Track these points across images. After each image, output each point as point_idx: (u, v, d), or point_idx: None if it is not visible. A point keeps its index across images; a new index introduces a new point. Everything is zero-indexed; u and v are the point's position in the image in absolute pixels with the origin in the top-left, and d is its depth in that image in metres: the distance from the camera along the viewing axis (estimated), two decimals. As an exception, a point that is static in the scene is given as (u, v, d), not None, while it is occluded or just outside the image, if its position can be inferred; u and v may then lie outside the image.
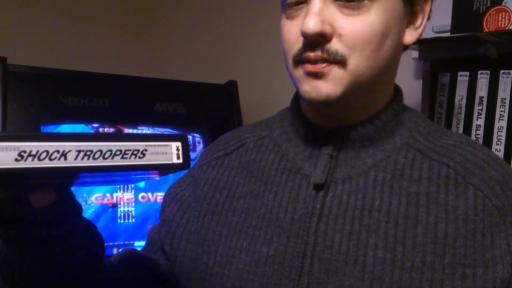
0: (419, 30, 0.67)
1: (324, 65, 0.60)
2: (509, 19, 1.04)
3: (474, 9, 1.10)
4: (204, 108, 1.58)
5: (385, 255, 0.59)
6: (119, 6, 2.06)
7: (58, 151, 0.46)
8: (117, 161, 0.48)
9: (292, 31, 0.63)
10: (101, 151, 0.48)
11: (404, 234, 0.60)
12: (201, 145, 1.53)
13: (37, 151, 0.45)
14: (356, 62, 0.61)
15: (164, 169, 0.52)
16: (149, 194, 1.43)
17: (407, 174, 0.63)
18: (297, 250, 0.62)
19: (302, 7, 0.62)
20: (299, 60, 0.62)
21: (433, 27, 1.19)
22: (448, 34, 1.14)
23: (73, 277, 0.65)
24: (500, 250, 0.60)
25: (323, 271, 0.60)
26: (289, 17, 0.64)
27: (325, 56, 0.60)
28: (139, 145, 0.50)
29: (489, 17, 1.05)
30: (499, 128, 1.10)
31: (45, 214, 0.56)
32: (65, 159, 0.46)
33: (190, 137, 1.55)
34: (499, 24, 1.05)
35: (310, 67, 0.61)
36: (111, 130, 1.42)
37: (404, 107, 0.71)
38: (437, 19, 1.22)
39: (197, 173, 0.77)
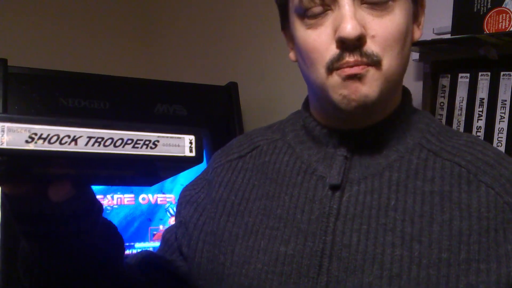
0: (421, 26, 0.70)
1: (362, 67, 0.61)
2: (509, 21, 1.04)
3: (475, 10, 1.10)
4: (204, 110, 1.58)
5: (402, 253, 0.60)
6: (120, 8, 2.06)
7: (68, 136, 0.46)
8: (128, 150, 0.48)
9: (321, 39, 0.63)
10: (112, 138, 0.47)
11: (420, 232, 0.61)
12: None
13: (48, 135, 0.45)
14: (389, 62, 0.62)
15: (176, 161, 0.51)
16: (150, 195, 1.43)
17: (420, 174, 0.65)
18: (315, 249, 0.63)
19: (326, 14, 0.63)
20: (335, 67, 0.63)
21: (433, 28, 1.19)
22: (448, 36, 1.14)
23: (92, 275, 0.66)
24: None
25: (342, 270, 0.61)
26: (312, 27, 0.64)
27: (364, 59, 0.61)
28: (152, 135, 0.49)
29: (489, 18, 1.05)
30: (499, 129, 1.10)
31: (63, 209, 0.56)
32: (76, 144, 0.46)
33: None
34: (500, 26, 1.05)
35: (349, 70, 0.62)
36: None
37: (414, 109, 0.73)
38: (437, 21, 1.23)
39: (211, 176, 0.78)
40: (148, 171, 0.58)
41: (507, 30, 1.05)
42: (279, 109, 1.63)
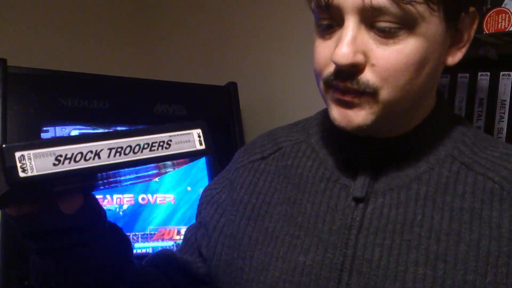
0: (463, 50, 0.63)
1: (353, 95, 0.58)
2: (509, 21, 1.04)
3: (474, 10, 1.10)
4: (204, 110, 1.58)
5: (426, 272, 0.58)
6: (120, 8, 2.06)
7: (91, 152, 0.48)
8: (147, 154, 0.51)
9: (324, 53, 0.60)
10: (130, 146, 0.50)
11: (446, 251, 0.58)
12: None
13: (72, 154, 0.47)
14: (388, 93, 0.58)
15: (189, 156, 0.54)
16: (149, 195, 1.43)
17: (451, 188, 0.61)
18: (335, 262, 0.61)
19: (336, 29, 0.59)
20: (329, 84, 0.60)
21: (433, 28, 1.19)
22: (448, 36, 1.14)
23: (106, 280, 0.66)
24: None
25: (362, 285, 0.59)
26: (322, 37, 0.61)
27: (355, 87, 0.57)
28: (164, 136, 0.52)
29: (489, 18, 1.05)
30: (499, 129, 1.10)
31: (75, 220, 0.57)
32: (99, 158, 0.48)
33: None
34: (499, 26, 1.05)
35: (339, 96, 0.59)
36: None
37: (449, 114, 0.68)
38: (437, 21, 1.23)
39: (233, 176, 0.77)
40: (161, 170, 0.61)
41: (506, 30, 1.05)
42: (279, 109, 1.63)
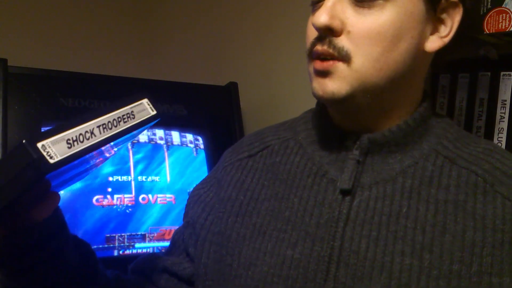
0: (445, 39, 0.65)
1: (330, 62, 0.61)
2: (509, 21, 1.04)
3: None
4: (204, 110, 1.58)
5: (412, 262, 0.59)
6: (120, 8, 2.06)
7: (87, 131, 0.54)
8: (123, 125, 0.58)
9: (310, 28, 0.64)
10: (110, 121, 0.56)
11: (432, 241, 0.59)
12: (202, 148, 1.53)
13: (76, 136, 0.52)
14: (362, 61, 0.60)
15: (150, 121, 0.62)
16: (150, 195, 1.43)
17: (435, 181, 0.63)
18: (323, 255, 0.62)
19: (322, 4, 0.63)
20: (310, 54, 0.63)
21: (433, 28, 1.19)
22: (448, 36, 1.14)
23: None
24: None
25: (349, 277, 0.60)
26: (312, 15, 0.65)
27: (331, 50, 0.60)
28: (127, 109, 0.59)
29: (489, 18, 1.05)
30: (499, 129, 1.10)
31: (42, 229, 0.58)
32: (95, 135, 0.54)
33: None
34: (500, 26, 1.05)
35: (318, 65, 0.62)
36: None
37: (433, 113, 0.70)
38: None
39: (221, 175, 0.77)
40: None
41: (507, 30, 1.05)
42: (279, 109, 1.63)
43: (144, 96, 0.62)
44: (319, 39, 0.62)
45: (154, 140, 1.46)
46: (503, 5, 1.05)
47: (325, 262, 0.61)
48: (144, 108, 0.61)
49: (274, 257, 0.64)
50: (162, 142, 1.47)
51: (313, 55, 0.63)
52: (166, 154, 1.46)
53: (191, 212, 0.78)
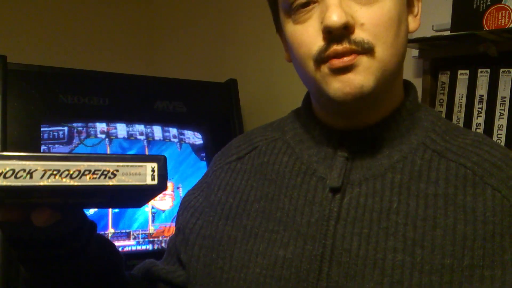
0: (418, 17, 0.67)
1: (352, 56, 0.59)
2: (509, 18, 1.04)
3: (474, 7, 1.10)
4: (204, 107, 1.58)
5: (404, 258, 0.58)
6: (120, 5, 2.06)
7: (24, 170, 0.46)
8: (84, 181, 0.48)
9: (308, 33, 0.61)
10: (68, 170, 0.48)
11: (423, 236, 0.59)
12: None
13: (2, 170, 0.46)
14: (383, 49, 0.60)
15: (137, 190, 0.51)
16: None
17: (424, 175, 0.62)
18: (315, 254, 0.61)
19: (312, 8, 0.61)
20: (322, 58, 0.60)
21: (433, 25, 1.19)
22: (448, 33, 1.14)
23: None
24: None
25: (342, 275, 0.60)
26: (299, 22, 0.62)
27: (353, 47, 0.59)
28: (110, 165, 0.49)
29: (489, 15, 1.05)
30: (499, 126, 1.10)
31: (47, 234, 0.57)
32: (31, 177, 0.46)
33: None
34: (499, 23, 1.05)
35: (337, 62, 0.59)
36: (111, 128, 1.42)
37: (419, 105, 0.70)
38: (437, 18, 1.23)
39: (210, 179, 0.77)
40: (117, 199, 0.58)
41: (506, 26, 1.05)
42: (278, 106, 1.63)
43: (154, 160, 0.51)
44: (334, 39, 0.59)
45: (134, 135, 1.45)
46: (503, 2, 1.05)
47: (317, 261, 0.61)
48: (142, 172, 0.50)
49: (266, 258, 0.64)
50: (142, 137, 1.46)
51: (328, 57, 0.60)
52: (146, 149, 1.46)
53: (181, 219, 0.78)
